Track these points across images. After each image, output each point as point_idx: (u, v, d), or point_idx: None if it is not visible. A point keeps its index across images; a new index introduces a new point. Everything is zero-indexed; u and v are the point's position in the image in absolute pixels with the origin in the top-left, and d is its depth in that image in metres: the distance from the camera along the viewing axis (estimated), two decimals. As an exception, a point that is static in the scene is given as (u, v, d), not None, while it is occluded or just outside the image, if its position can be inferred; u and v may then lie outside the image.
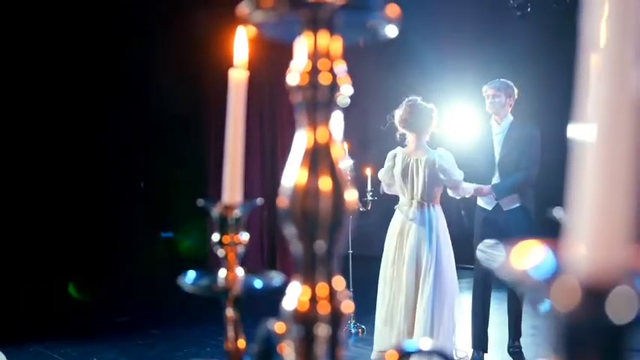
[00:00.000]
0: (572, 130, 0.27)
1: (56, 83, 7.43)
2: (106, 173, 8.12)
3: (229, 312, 0.83)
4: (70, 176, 7.73)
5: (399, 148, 4.29)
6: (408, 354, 0.62)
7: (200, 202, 0.85)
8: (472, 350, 4.51)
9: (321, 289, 0.55)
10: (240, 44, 0.83)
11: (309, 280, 0.55)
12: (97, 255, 7.63)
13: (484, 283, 4.49)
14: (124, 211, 8.29)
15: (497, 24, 8.75)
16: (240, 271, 0.83)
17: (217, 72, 8.38)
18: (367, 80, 7.83)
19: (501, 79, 4.54)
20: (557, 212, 0.67)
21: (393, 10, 0.53)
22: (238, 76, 0.83)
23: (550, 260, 0.26)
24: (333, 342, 0.56)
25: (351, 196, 0.55)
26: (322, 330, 0.55)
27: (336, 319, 0.55)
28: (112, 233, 7.98)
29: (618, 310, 0.25)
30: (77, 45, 7.48)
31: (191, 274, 0.83)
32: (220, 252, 0.83)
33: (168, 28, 7.95)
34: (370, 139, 8.40)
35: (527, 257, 0.26)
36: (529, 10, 7.75)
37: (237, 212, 0.83)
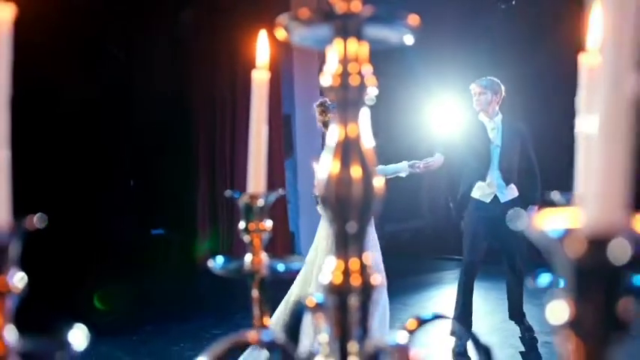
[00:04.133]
0: (579, 119, 0.35)
1: (43, 84, 7.43)
2: (95, 172, 8.14)
3: (255, 293, 0.90)
4: (60, 175, 7.75)
5: None
6: (426, 321, 0.70)
7: (228, 192, 0.92)
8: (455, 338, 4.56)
9: (353, 263, 0.63)
10: (262, 47, 0.90)
11: (343, 255, 0.63)
12: (88, 253, 7.66)
13: (471, 273, 4.59)
14: (115, 209, 8.33)
15: (481, 17, 8.86)
16: (264, 256, 0.90)
17: (204, 71, 8.43)
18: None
19: (489, 77, 4.70)
20: (554, 195, 0.76)
21: (414, 19, 0.61)
22: (260, 77, 0.90)
23: (564, 222, 0.34)
24: (364, 310, 0.64)
25: (378, 182, 0.63)
26: (354, 300, 0.63)
27: (366, 290, 0.63)
28: (102, 231, 8.01)
29: (617, 255, 0.33)
30: (64, 44, 7.48)
31: (219, 259, 0.91)
32: (246, 238, 0.90)
33: (153, 28, 7.98)
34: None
35: (548, 220, 0.34)
36: (513, 2, 7.86)
37: (261, 201, 0.90)
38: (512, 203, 4.55)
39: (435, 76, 8.57)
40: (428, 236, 10.67)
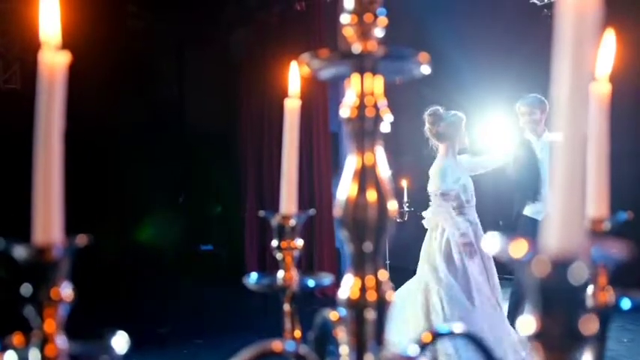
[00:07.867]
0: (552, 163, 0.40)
1: (93, 98, 7.72)
2: (145, 187, 8.39)
3: (286, 307, 0.96)
4: (110, 190, 8.01)
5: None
6: (441, 335, 0.75)
7: (261, 213, 0.99)
8: None
9: (369, 280, 0.68)
10: (294, 77, 0.97)
11: (360, 273, 0.69)
12: (138, 267, 7.87)
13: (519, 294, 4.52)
14: (164, 224, 8.56)
15: (528, 25, 8.73)
16: (295, 272, 0.96)
17: (252, 92, 8.60)
18: (400, 90, 7.95)
19: (533, 95, 4.62)
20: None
21: (423, 57, 0.66)
22: (292, 105, 0.97)
23: (532, 248, 0.39)
24: (379, 324, 0.69)
25: (392, 206, 0.68)
26: (370, 314, 0.68)
27: (381, 305, 0.68)
28: (152, 246, 8.23)
29: (576, 277, 0.38)
30: (117, 66, 7.77)
31: (254, 275, 0.97)
32: (279, 255, 0.96)
33: (204, 50, 8.23)
34: (403, 149, 8.48)
35: (519, 249, 0.39)
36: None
37: (292, 221, 0.96)
38: None
39: (487, 90, 8.47)
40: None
